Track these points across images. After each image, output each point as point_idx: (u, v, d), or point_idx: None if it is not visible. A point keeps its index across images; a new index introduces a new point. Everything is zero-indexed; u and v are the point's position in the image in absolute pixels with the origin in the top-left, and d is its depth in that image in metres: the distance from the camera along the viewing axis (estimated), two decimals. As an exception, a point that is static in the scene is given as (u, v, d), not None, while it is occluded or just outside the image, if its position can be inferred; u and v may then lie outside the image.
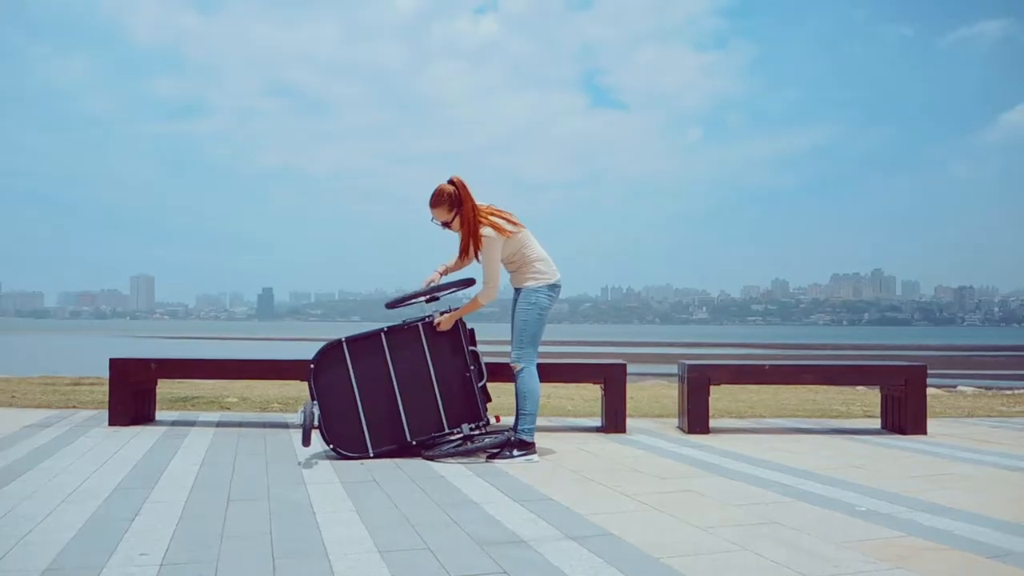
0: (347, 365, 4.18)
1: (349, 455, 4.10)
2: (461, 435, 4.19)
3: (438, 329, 4.22)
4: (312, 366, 4.16)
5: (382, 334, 4.23)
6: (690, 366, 5.27)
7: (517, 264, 4.24)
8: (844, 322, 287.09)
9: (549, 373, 5.88)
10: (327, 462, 4.04)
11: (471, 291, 4.31)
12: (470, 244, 4.16)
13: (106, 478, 3.58)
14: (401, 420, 4.16)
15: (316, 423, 4.04)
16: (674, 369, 5.69)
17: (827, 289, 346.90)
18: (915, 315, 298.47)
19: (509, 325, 4.28)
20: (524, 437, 4.11)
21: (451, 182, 4.13)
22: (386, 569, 2.36)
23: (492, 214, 4.15)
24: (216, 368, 5.62)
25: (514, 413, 4.25)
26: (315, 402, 4.11)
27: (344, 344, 4.20)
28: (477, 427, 4.22)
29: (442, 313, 4.26)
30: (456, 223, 4.18)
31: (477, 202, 4.19)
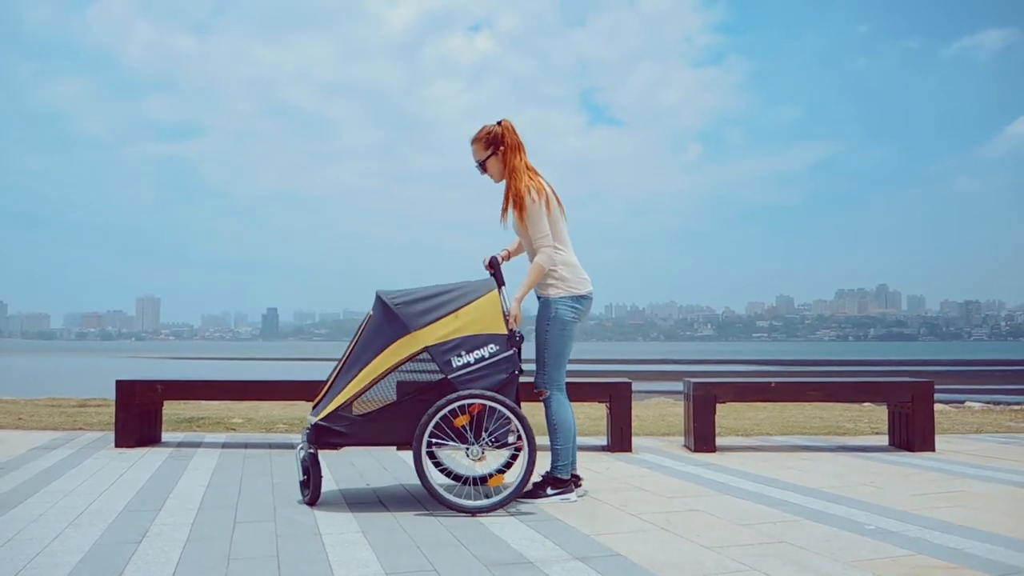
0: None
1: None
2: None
3: (513, 324, 3.62)
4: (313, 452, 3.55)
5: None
6: (695, 384, 5.26)
7: None
8: (850, 338, 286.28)
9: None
10: (334, 484, 4.03)
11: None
12: (510, 199, 3.79)
13: (113, 500, 3.58)
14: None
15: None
16: (679, 387, 5.68)
17: (832, 305, 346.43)
18: (921, 330, 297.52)
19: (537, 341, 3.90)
20: (558, 475, 3.71)
21: (499, 123, 3.87)
22: (393, 591, 2.36)
23: (533, 176, 3.81)
24: (222, 389, 5.62)
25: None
26: (310, 445, 3.57)
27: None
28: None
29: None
30: (494, 168, 3.86)
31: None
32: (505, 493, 3.46)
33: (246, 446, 5.33)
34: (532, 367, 3.90)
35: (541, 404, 3.81)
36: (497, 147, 3.82)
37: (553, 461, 3.75)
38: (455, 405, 3.43)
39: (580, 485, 3.83)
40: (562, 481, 3.72)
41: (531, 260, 3.80)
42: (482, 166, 3.88)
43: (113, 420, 5.37)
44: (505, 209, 3.84)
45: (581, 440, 5.75)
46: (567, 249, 3.84)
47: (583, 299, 3.81)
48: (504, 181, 3.87)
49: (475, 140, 3.88)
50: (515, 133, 3.84)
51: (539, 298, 3.84)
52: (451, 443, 3.48)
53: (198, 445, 5.34)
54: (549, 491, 3.70)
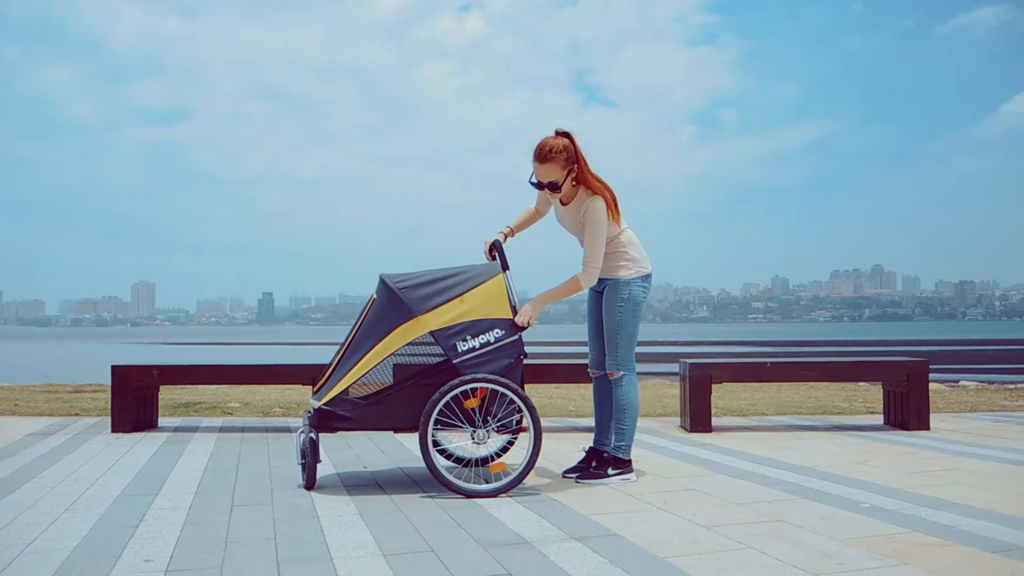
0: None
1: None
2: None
3: (520, 322, 3.51)
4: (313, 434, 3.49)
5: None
6: (691, 364, 5.27)
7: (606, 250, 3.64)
8: (845, 318, 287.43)
9: (551, 374, 5.86)
10: (331, 467, 4.04)
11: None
12: (577, 207, 3.57)
13: (110, 485, 3.58)
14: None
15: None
16: (675, 368, 5.69)
17: (827, 286, 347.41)
18: (916, 310, 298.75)
19: (587, 325, 3.90)
20: (620, 455, 3.68)
21: (561, 134, 3.53)
22: (391, 572, 2.36)
23: (605, 185, 3.59)
24: (218, 373, 5.62)
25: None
26: (311, 429, 3.50)
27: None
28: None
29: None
30: (567, 186, 3.56)
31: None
32: (511, 476, 3.42)
33: (243, 430, 5.33)
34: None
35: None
36: (573, 164, 3.54)
37: (616, 441, 3.70)
38: (465, 388, 3.40)
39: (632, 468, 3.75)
40: (624, 461, 3.70)
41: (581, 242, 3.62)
42: (553, 186, 3.56)
43: (109, 405, 5.36)
44: (582, 229, 3.59)
45: (578, 422, 5.77)
46: (631, 231, 3.73)
47: (650, 278, 3.76)
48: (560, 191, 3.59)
49: (545, 160, 3.51)
50: (575, 139, 3.56)
51: (601, 280, 3.69)
52: (459, 424, 3.43)
53: (195, 430, 5.34)
54: (610, 471, 3.67)
